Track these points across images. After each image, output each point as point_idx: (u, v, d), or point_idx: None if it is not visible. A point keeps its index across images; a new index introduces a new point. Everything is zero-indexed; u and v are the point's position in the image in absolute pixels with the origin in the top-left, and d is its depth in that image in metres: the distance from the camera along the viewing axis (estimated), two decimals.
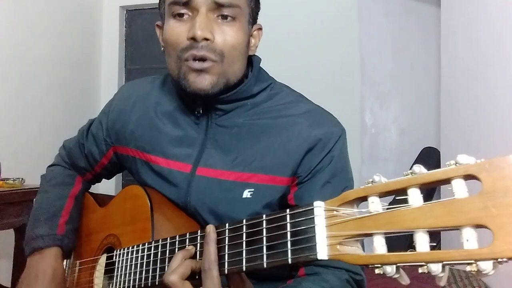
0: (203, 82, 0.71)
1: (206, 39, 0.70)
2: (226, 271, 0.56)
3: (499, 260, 0.34)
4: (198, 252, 0.61)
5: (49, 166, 1.03)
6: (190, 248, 0.62)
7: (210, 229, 0.58)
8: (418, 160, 2.96)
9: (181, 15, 0.72)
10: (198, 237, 0.62)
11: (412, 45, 3.13)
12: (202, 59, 0.71)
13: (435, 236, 2.34)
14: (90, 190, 1.02)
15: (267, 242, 0.52)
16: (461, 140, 2.21)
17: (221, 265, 0.56)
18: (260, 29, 0.82)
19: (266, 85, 0.81)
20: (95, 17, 3.45)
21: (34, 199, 0.95)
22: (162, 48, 0.80)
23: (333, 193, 0.77)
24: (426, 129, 3.05)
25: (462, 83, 2.21)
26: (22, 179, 1.94)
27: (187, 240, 0.63)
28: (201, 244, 0.60)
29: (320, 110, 0.81)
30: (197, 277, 0.59)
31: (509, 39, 1.68)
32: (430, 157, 2.89)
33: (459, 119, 2.25)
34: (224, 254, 0.57)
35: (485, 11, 1.94)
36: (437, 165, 2.67)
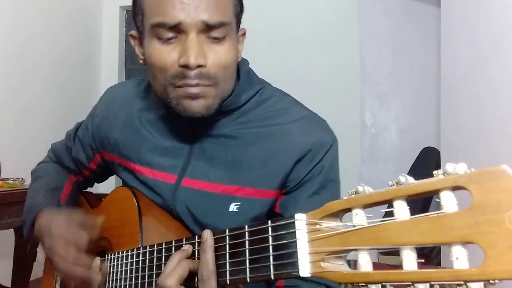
0: (199, 106, 0.68)
1: (200, 65, 0.66)
2: (228, 282, 0.52)
3: (490, 281, 0.31)
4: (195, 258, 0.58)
5: (39, 163, 0.99)
6: (186, 248, 0.57)
7: (208, 235, 0.54)
8: (418, 160, 2.96)
9: (168, 39, 0.67)
10: (196, 243, 0.57)
11: (412, 45, 3.13)
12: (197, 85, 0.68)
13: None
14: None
15: (250, 255, 0.49)
16: (461, 140, 2.21)
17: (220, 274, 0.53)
18: (244, 33, 0.77)
19: (254, 92, 0.77)
20: (95, 17, 3.45)
21: (28, 191, 0.90)
22: (141, 61, 0.76)
23: (321, 205, 0.75)
24: (426, 129, 3.05)
25: (462, 83, 2.21)
26: (22, 179, 1.94)
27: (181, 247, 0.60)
28: (198, 251, 0.56)
29: (312, 117, 0.77)
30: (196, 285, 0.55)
31: (509, 39, 1.68)
32: (430, 157, 2.88)
33: (459, 119, 2.25)
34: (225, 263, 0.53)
35: (485, 11, 1.94)
36: (437, 165, 2.66)
